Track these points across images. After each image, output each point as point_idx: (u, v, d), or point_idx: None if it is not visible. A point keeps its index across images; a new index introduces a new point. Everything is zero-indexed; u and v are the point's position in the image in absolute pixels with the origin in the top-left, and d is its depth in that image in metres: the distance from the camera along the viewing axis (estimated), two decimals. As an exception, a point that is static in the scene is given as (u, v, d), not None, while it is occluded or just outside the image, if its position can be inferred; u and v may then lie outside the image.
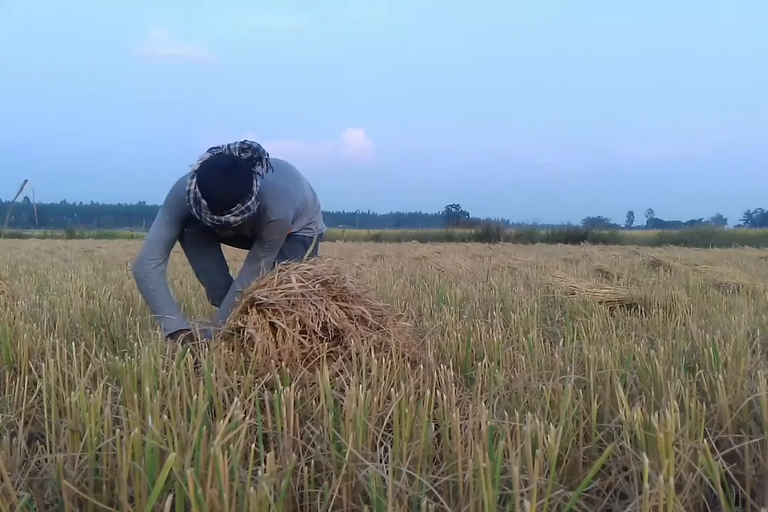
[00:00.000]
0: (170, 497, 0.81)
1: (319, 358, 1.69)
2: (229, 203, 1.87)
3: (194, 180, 1.87)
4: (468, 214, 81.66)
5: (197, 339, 1.84)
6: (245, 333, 1.73)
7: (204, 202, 1.85)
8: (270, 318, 1.75)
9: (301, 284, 1.79)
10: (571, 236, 23.09)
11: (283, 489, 0.93)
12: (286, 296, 1.76)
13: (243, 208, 1.89)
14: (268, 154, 2.00)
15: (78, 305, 2.88)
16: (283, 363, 1.65)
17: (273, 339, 1.72)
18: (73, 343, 1.65)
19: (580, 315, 2.87)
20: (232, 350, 1.75)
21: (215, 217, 1.88)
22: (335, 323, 1.75)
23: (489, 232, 25.68)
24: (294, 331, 1.73)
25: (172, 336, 2.05)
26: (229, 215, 1.88)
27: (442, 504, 0.96)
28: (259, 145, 1.99)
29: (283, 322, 1.73)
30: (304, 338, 1.75)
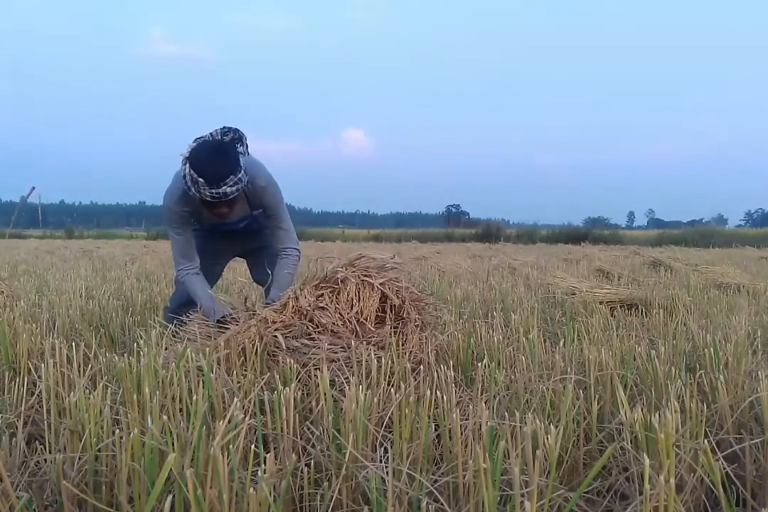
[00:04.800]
0: (170, 498, 0.81)
1: (394, 324, 1.90)
2: (223, 175, 2.01)
3: (187, 165, 2.02)
4: (468, 214, 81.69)
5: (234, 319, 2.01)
6: (339, 284, 1.90)
7: (201, 179, 2.00)
8: (361, 277, 1.91)
9: (392, 258, 2.04)
10: (572, 236, 23.10)
11: (282, 490, 0.93)
12: (379, 264, 2.00)
13: (236, 179, 2.04)
14: (246, 137, 2.21)
15: (77, 305, 2.88)
16: (359, 320, 1.84)
17: (362, 291, 1.90)
18: (72, 344, 1.64)
19: (580, 315, 2.87)
20: (321, 296, 1.91)
21: (213, 190, 2.02)
22: (415, 292, 1.96)
23: (489, 232, 25.70)
24: (377, 293, 1.90)
25: (219, 321, 2.17)
26: (225, 186, 2.02)
27: (442, 504, 0.96)
28: (237, 128, 2.19)
29: (374, 280, 1.90)
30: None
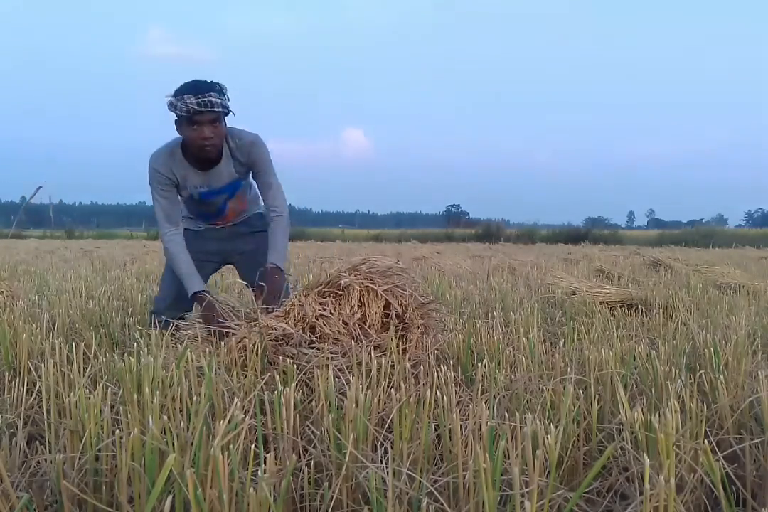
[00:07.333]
0: (170, 498, 0.81)
1: (397, 329, 1.87)
2: (208, 87, 2.08)
3: (173, 98, 2.10)
4: (468, 214, 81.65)
5: (218, 313, 2.00)
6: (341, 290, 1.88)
7: (186, 94, 2.06)
8: (365, 283, 1.90)
9: (397, 263, 2.02)
10: (572, 236, 23.09)
11: (282, 490, 0.93)
12: (383, 269, 1.98)
13: (220, 96, 2.09)
14: (227, 89, 2.21)
15: (77, 305, 2.88)
16: (363, 326, 1.83)
17: (367, 298, 1.89)
18: (72, 343, 1.64)
19: (580, 315, 2.87)
20: (323, 301, 1.89)
21: (199, 98, 2.06)
22: (419, 298, 1.93)
23: (489, 232, 25.69)
24: (381, 300, 1.90)
25: (195, 298, 2.21)
26: (210, 96, 2.06)
27: (442, 504, 0.95)
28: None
29: (377, 286, 1.90)
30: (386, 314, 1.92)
